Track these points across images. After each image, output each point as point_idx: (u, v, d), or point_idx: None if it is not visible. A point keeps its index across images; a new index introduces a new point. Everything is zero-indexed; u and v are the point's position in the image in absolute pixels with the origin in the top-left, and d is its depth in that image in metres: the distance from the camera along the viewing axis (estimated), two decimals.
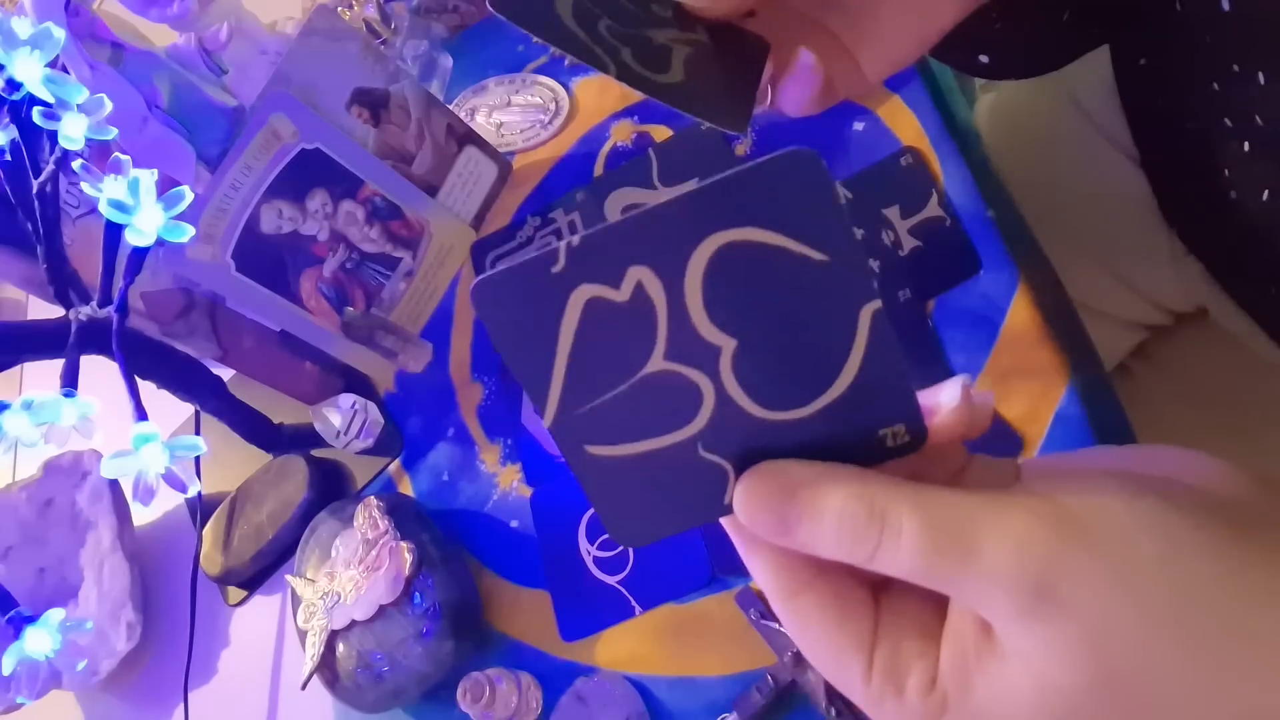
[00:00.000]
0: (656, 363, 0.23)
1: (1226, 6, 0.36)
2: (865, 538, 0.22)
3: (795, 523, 0.23)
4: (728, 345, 0.22)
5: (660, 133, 0.71)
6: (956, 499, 0.22)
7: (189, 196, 0.56)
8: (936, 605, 0.24)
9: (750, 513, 0.23)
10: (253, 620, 0.73)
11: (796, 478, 0.23)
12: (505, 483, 0.65)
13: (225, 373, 0.70)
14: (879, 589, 0.25)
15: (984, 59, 0.47)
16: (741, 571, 0.54)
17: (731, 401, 0.23)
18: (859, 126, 0.62)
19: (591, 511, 0.60)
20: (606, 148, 0.74)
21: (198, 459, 0.66)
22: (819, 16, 0.35)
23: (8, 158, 0.56)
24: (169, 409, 0.73)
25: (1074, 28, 0.47)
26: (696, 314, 0.22)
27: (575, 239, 0.21)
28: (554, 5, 0.29)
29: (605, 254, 0.22)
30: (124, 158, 0.54)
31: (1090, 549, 0.20)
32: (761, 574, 0.25)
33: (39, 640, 0.54)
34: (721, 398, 0.23)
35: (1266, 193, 0.43)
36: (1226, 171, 0.45)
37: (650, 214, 0.21)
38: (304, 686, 0.60)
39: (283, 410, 0.73)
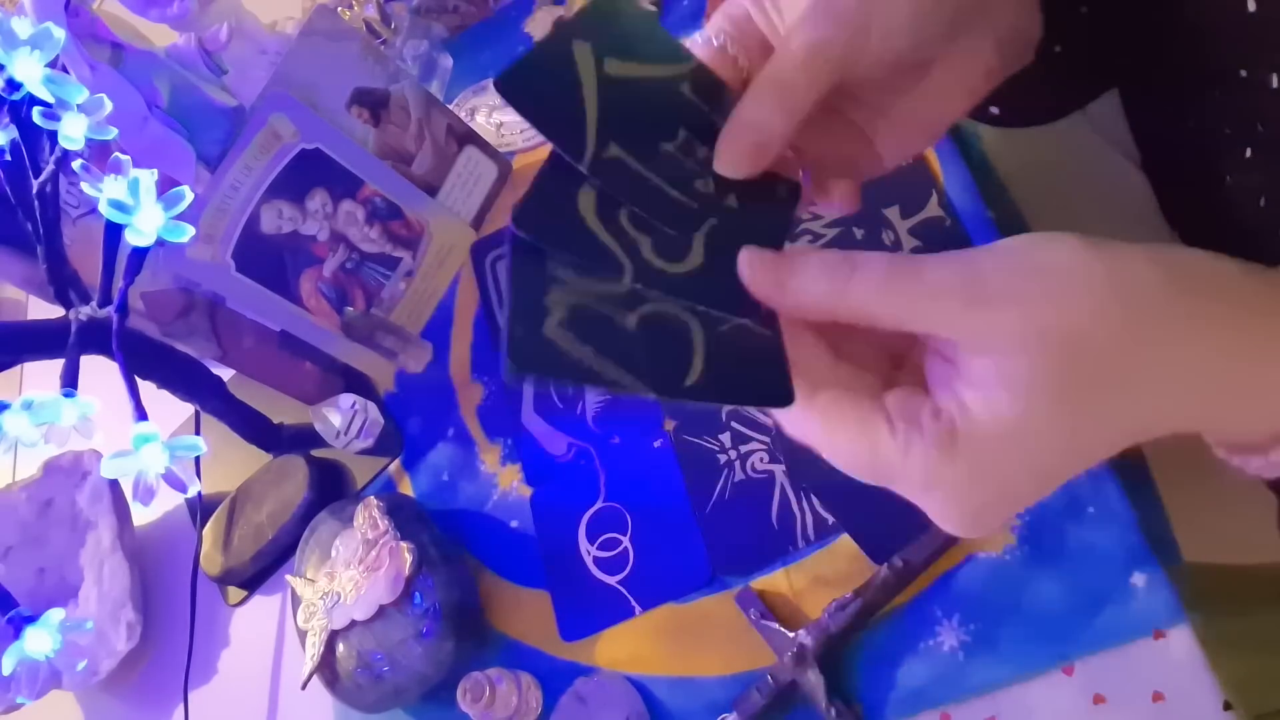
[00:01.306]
0: (630, 318, 0.29)
1: (1253, 7, 0.36)
2: (840, 272, 0.28)
3: (788, 275, 0.28)
4: (635, 288, 0.29)
5: None
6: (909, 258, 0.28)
7: (189, 196, 0.56)
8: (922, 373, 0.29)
9: (752, 271, 0.29)
10: (253, 620, 0.73)
11: (784, 252, 0.30)
12: (505, 483, 0.65)
13: (225, 373, 0.70)
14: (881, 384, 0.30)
15: (994, 110, 0.48)
16: (741, 571, 0.54)
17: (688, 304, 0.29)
18: None
19: (592, 512, 0.60)
20: None
21: (198, 459, 0.66)
22: (841, 109, 0.37)
23: (8, 158, 0.56)
24: (169, 409, 0.73)
25: (1081, 82, 0.47)
26: (599, 287, 0.29)
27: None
28: (578, 207, 0.30)
29: (530, 302, 0.28)
30: (124, 158, 0.54)
31: (1018, 259, 0.27)
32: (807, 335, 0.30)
33: (39, 640, 0.53)
34: (683, 306, 0.29)
35: (1264, 199, 0.43)
36: (1227, 178, 0.45)
37: (511, 278, 0.29)
38: (304, 686, 0.60)
39: (283, 410, 0.73)
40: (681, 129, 0.32)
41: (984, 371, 0.26)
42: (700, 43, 0.36)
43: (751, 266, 0.29)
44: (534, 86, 0.31)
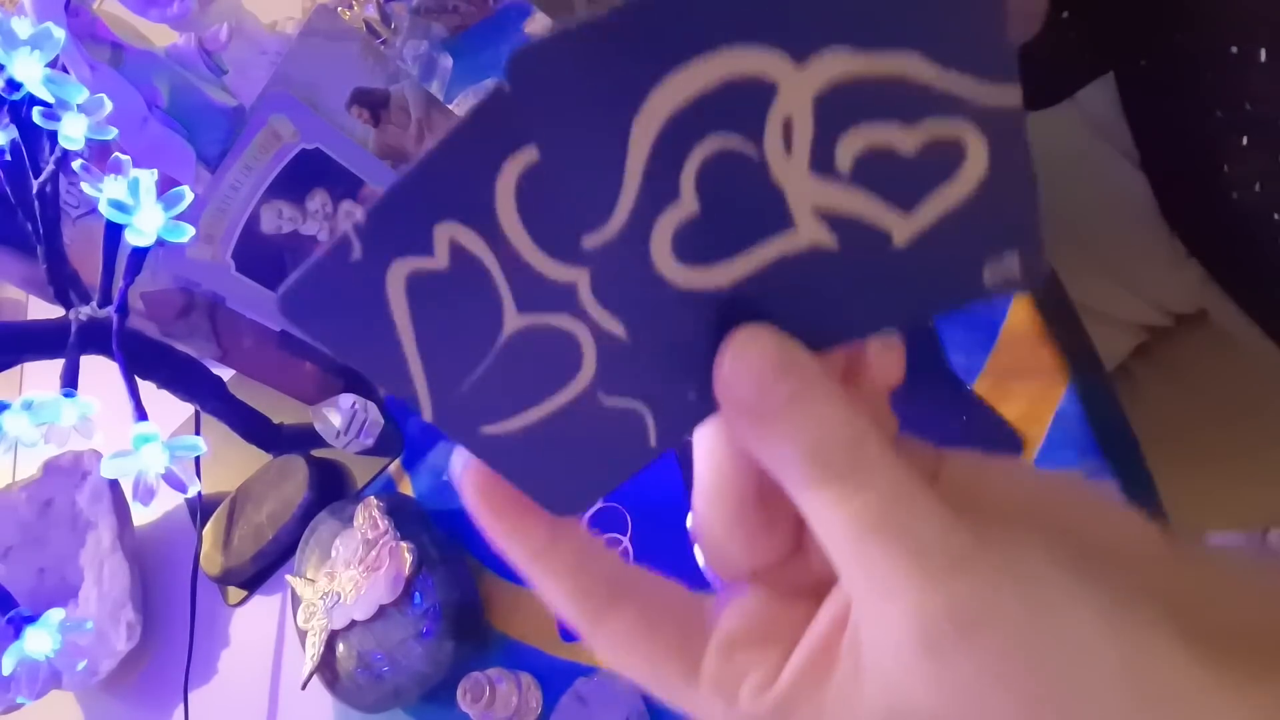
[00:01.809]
0: (513, 321, 0.19)
1: None
2: (839, 454, 0.19)
3: (779, 405, 0.19)
4: (580, 276, 0.19)
5: None
6: (927, 491, 0.19)
7: (189, 196, 0.56)
8: (790, 608, 0.21)
9: (731, 373, 0.19)
10: (253, 620, 0.73)
11: (800, 357, 0.19)
12: None
13: (225, 373, 0.70)
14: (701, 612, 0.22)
15: None
16: None
17: (610, 336, 0.19)
18: None
19: (591, 512, 0.60)
20: None
21: (198, 459, 0.66)
22: None
23: (8, 158, 0.56)
24: (169, 409, 0.73)
25: (1086, 54, 0.47)
26: (530, 255, 0.18)
27: (360, 214, 0.18)
28: None
29: (400, 222, 0.18)
30: (124, 158, 0.54)
31: (1005, 625, 0.18)
32: (561, 600, 0.22)
33: (39, 640, 0.54)
34: (599, 334, 0.19)
35: (1259, 184, 0.43)
36: (1225, 168, 0.45)
37: (429, 160, 0.17)
38: (304, 686, 0.60)
39: (283, 410, 0.73)
40: None
41: (877, 698, 0.19)
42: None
43: (737, 357, 0.19)
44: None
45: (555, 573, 0.22)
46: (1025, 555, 0.18)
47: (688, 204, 0.18)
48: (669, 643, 0.21)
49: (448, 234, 0.18)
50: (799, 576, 0.22)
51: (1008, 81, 0.17)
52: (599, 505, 0.60)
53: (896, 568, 0.18)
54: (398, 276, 0.18)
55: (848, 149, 0.18)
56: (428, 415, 0.20)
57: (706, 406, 0.20)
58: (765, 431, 0.19)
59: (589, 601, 0.22)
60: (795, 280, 0.19)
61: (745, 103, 0.17)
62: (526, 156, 0.17)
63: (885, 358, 0.21)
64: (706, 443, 0.22)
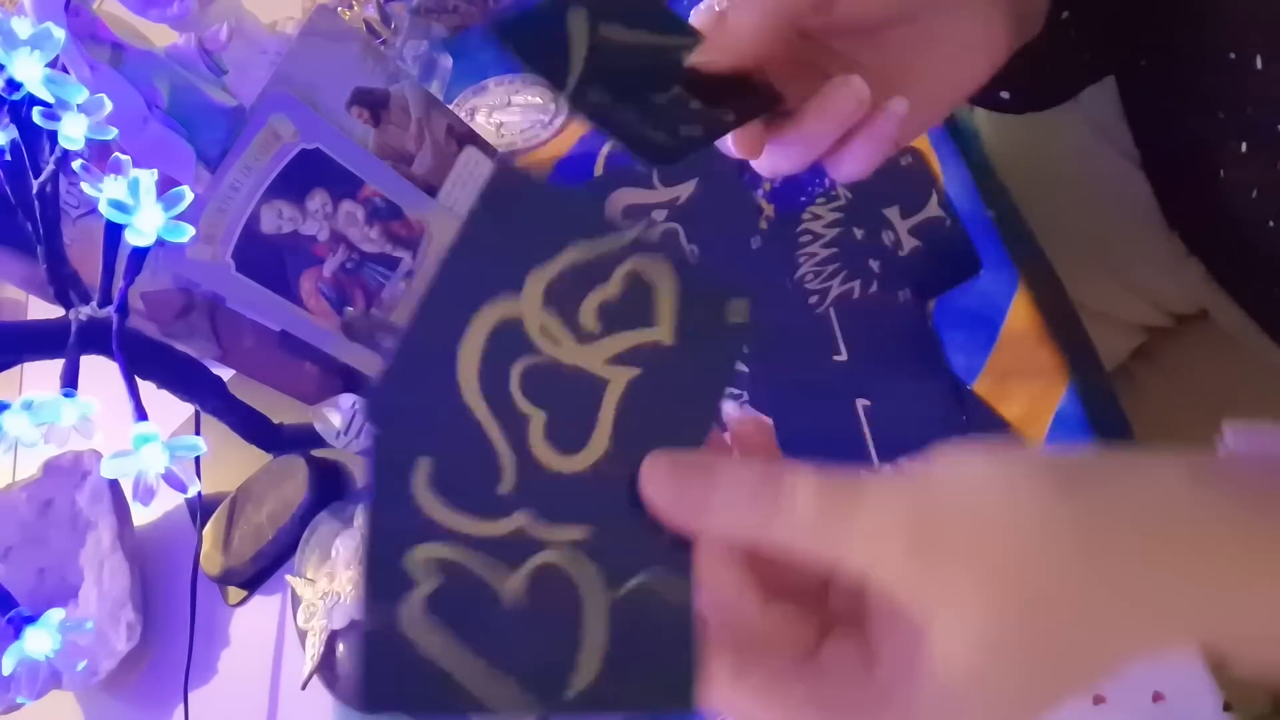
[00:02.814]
0: (513, 584, 0.23)
1: None
2: (762, 497, 0.23)
3: (698, 490, 0.23)
4: (523, 519, 0.24)
5: None
6: (841, 469, 0.24)
7: (189, 196, 0.56)
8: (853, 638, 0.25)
9: (654, 486, 0.24)
10: (253, 620, 0.73)
11: (695, 457, 0.24)
12: None
13: (225, 373, 0.70)
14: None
15: (1005, 95, 0.48)
16: None
17: (566, 543, 0.24)
18: None
19: None
20: (607, 148, 0.74)
21: (198, 459, 0.66)
22: (854, 55, 0.36)
23: (8, 158, 0.56)
24: (169, 409, 0.73)
25: (1087, 54, 0.47)
26: (475, 528, 0.23)
27: (355, 608, 0.23)
28: (456, 377, 0.23)
29: (383, 576, 0.23)
30: (124, 158, 0.54)
31: (970, 501, 0.22)
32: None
33: (39, 640, 0.53)
34: (569, 551, 0.24)
35: (1255, 191, 0.43)
36: (1222, 173, 0.45)
37: (372, 516, 0.23)
38: (304, 686, 0.60)
39: (283, 410, 0.73)
40: (676, 85, 0.31)
41: (932, 632, 0.23)
42: (701, 10, 0.36)
43: (655, 482, 0.24)
44: (525, 33, 0.30)
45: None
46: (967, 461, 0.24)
47: (536, 415, 0.24)
48: (792, 689, 0.24)
49: (420, 557, 0.22)
50: (845, 622, 0.26)
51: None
52: None
53: (851, 522, 0.23)
54: (412, 617, 0.22)
55: (586, 316, 0.24)
56: (532, 713, 0.23)
57: (680, 544, 0.24)
58: (706, 521, 0.24)
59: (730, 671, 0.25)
60: (645, 409, 0.24)
61: (511, 334, 0.24)
62: (423, 468, 0.23)
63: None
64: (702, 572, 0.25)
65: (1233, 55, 0.39)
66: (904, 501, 0.23)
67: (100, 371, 0.58)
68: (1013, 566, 0.22)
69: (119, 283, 0.57)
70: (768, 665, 0.24)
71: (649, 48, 0.33)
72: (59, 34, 0.53)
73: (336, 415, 0.69)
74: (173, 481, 0.51)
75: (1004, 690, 0.22)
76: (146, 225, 0.54)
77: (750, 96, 0.33)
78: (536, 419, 0.23)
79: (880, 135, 0.34)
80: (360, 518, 0.57)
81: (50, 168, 0.55)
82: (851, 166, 0.35)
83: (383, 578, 0.22)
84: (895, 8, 0.35)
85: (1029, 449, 0.24)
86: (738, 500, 0.23)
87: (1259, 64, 0.38)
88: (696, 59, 0.32)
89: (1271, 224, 0.43)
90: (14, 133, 0.55)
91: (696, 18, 0.36)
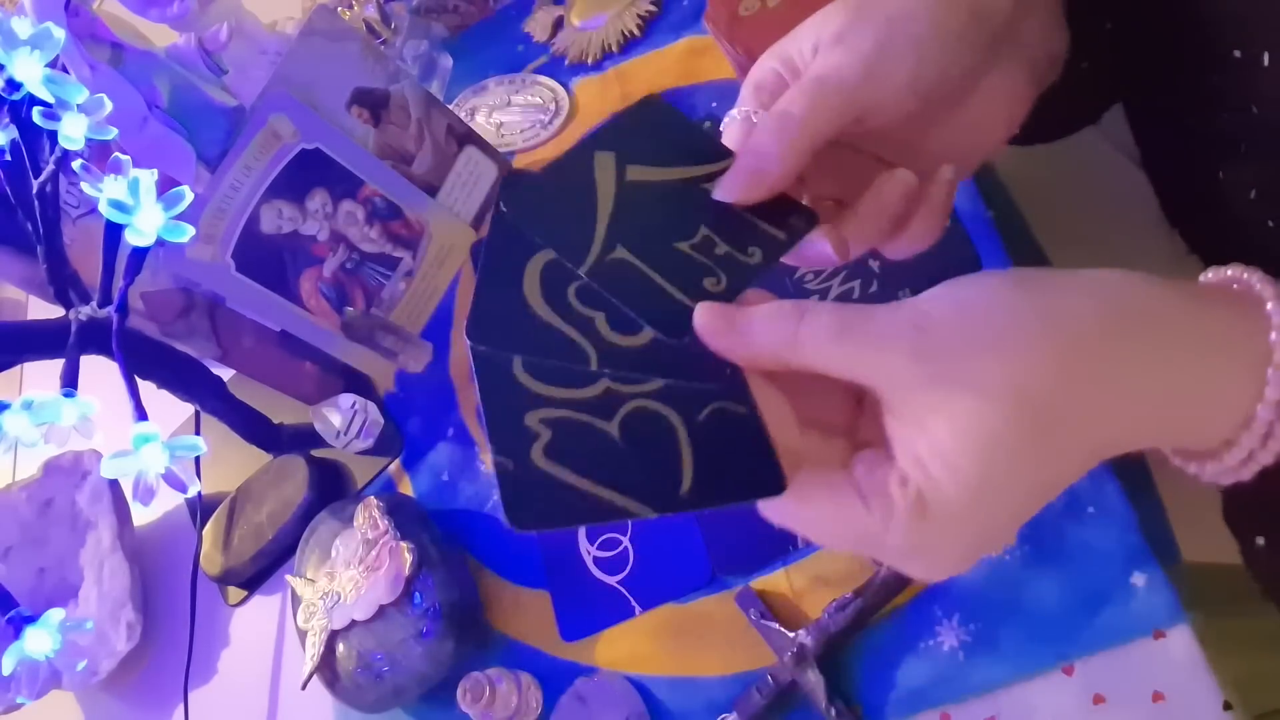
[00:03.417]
0: (611, 427, 0.29)
1: None
2: (789, 319, 0.28)
3: (739, 321, 0.29)
4: (606, 383, 0.29)
5: None
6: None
7: (189, 196, 0.56)
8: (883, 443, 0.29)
9: (704, 321, 0.29)
10: (253, 620, 0.73)
11: (727, 307, 0.30)
12: None
13: (225, 373, 0.70)
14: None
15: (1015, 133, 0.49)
16: (741, 571, 0.54)
17: (650, 391, 0.30)
18: None
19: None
20: None
21: (198, 459, 0.66)
22: (876, 148, 0.37)
23: (8, 158, 0.56)
24: (169, 409, 0.73)
25: (1099, 93, 0.47)
26: (570, 395, 0.29)
27: (491, 448, 0.27)
28: (526, 301, 0.31)
29: (509, 432, 0.28)
30: (124, 158, 0.54)
31: (962, 313, 0.27)
32: (771, 514, 0.30)
33: (39, 640, 0.53)
34: (654, 395, 0.30)
35: (1254, 192, 0.43)
36: (1222, 174, 0.45)
37: (483, 398, 0.29)
38: (304, 686, 0.60)
39: (283, 410, 0.73)
40: (703, 227, 0.33)
41: (939, 432, 0.27)
42: (733, 119, 0.36)
43: (703, 315, 0.30)
44: (544, 209, 0.33)
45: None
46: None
47: (598, 316, 0.31)
48: (846, 501, 0.29)
49: (535, 419, 0.28)
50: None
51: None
52: None
53: (867, 339, 0.28)
54: (539, 456, 0.28)
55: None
56: (650, 514, 0.27)
57: (738, 370, 0.30)
58: (747, 345, 0.29)
59: (795, 494, 0.28)
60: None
61: (558, 270, 0.32)
62: (518, 363, 0.29)
63: None
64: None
65: (1238, 53, 0.39)
66: (906, 314, 0.28)
67: (100, 371, 0.58)
68: (1003, 372, 0.26)
69: (119, 283, 0.57)
70: (807, 471, 0.28)
71: (677, 184, 0.34)
72: (59, 34, 0.53)
73: (336, 415, 0.69)
74: (173, 481, 0.51)
75: (1004, 490, 0.27)
76: (146, 225, 0.54)
77: (791, 212, 0.34)
78: (600, 318, 0.30)
79: (937, 207, 0.35)
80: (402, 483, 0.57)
81: (50, 168, 0.55)
82: (912, 245, 0.36)
83: (507, 436, 0.27)
84: (925, 100, 0.35)
85: (1009, 272, 0.29)
86: (770, 326, 0.29)
87: (1266, 61, 0.38)
88: (729, 196, 0.33)
89: (1271, 224, 0.43)
90: (14, 133, 0.55)
91: (728, 132, 0.35)
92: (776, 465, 0.28)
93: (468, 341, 0.29)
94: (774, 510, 0.29)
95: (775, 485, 0.28)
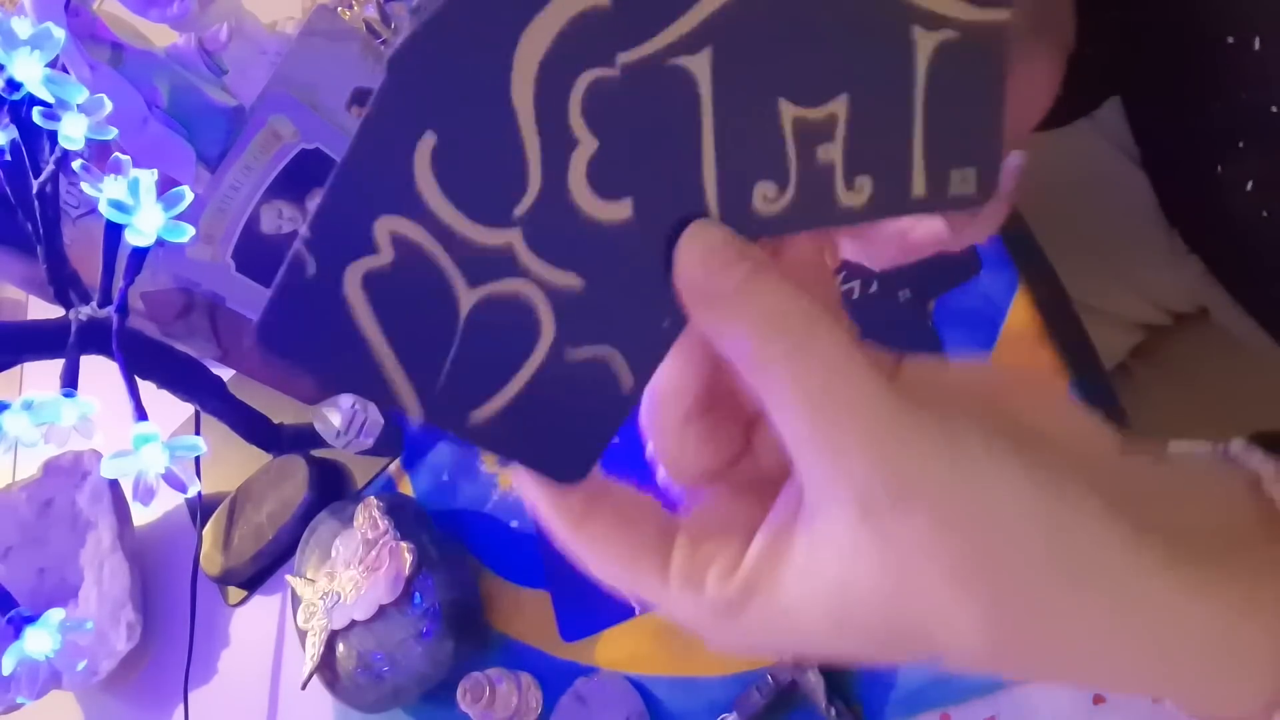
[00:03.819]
0: (467, 297, 0.20)
1: None
2: (792, 331, 0.19)
3: (739, 280, 0.20)
4: (515, 238, 0.19)
5: None
6: (873, 371, 0.20)
7: (189, 196, 0.56)
8: (748, 503, 0.23)
9: (684, 260, 0.20)
10: (253, 620, 0.73)
11: (747, 245, 0.20)
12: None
13: (225, 373, 0.70)
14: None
15: None
16: None
17: (563, 289, 0.20)
18: None
19: None
20: None
21: (198, 459, 0.66)
22: None
23: (8, 158, 0.56)
24: (169, 409, 0.73)
25: (1101, 80, 0.47)
26: (462, 227, 0.19)
27: (304, 228, 0.19)
28: (511, 72, 0.18)
29: (341, 227, 0.19)
30: (124, 158, 0.54)
31: (936, 496, 0.19)
32: (545, 507, 0.23)
33: (39, 640, 0.53)
34: (550, 290, 0.20)
35: (1251, 183, 0.43)
36: (1220, 168, 0.45)
37: (349, 161, 0.18)
38: (304, 686, 0.60)
39: (283, 410, 0.73)
40: (844, 97, 0.21)
41: (832, 566, 0.20)
42: None
43: (705, 242, 0.20)
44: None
45: (533, 485, 0.22)
46: (962, 433, 0.19)
47: (587, 142, 0.19)
48: (642, 542, 0.22)
49: (386, 228, 0.19)
50: (751, 475, 0.23)
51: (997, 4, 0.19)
52: None
53: (843, 440, 0.19)
54: (354, 281, 0.19)
55: None
56: (416, 414, 0.20)
57: (677, 330, 0.21)
58: (721, 314, 0.20)
59: (568, 505, 0.22)
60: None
61: (595, 32, 0.18)
62: (428, 142, 0.18)
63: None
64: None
65: (1231, 39, 0.39)
66: (887, 460, 0.19)
67: (100, 371, 0.58)
68: (927, 576, 0.19)
69: (119, 283, 0.57)
70: (609, 490, 0.23)
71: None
72: (59, 34, 0.53)
73: (336, 415, 0.69)
74: (173, 481, 0.51)
75: (845, 632, 0.20)
76: (146, 225, 0.54)
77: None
78: (586, 148, 0.19)
79: (1004, 193, 0.35)
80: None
81: (50, 168, 0.55)
82: (981, 231, 0.36)
83: (337, 229, 0.19)
84: None
85: (1025, 447, 0.20)
86: (772, 320, 0.20)
87: (1257, 45, 0.38)
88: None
89: (1266, 214, 0.43)
90: (14, 133, 0.55)
91: None
92: (595, 454, 0.22)
93: (384, 70, 0.18)
94: (545, 501, 0.22)
95: (575, 471, 0.22)
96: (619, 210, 0.20)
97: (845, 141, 0.20)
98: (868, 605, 0.20)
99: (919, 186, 0.21)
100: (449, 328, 0.20)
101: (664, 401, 0.23)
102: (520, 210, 0.19)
